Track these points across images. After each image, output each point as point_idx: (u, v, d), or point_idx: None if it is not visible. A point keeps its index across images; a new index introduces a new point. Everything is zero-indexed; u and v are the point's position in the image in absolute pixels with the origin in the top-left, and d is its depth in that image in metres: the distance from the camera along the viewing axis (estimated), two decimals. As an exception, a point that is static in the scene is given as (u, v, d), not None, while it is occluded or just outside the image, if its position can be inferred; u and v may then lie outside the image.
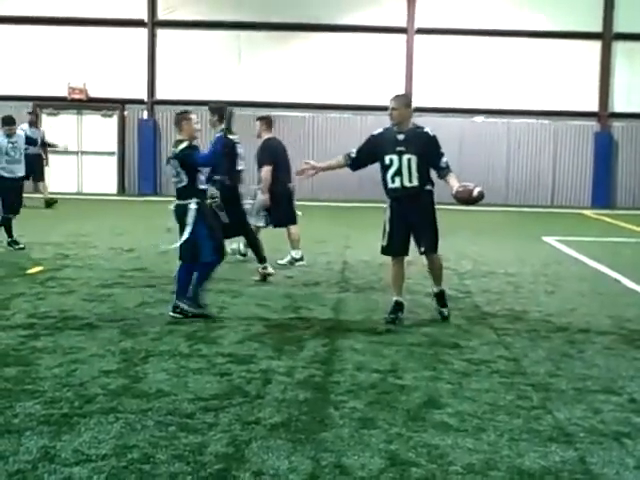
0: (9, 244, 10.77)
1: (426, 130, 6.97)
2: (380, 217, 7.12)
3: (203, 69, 20.84)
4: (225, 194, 8.47)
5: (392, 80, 20.45)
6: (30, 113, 17.84)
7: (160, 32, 20.99)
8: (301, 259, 10.00)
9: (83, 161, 21.52)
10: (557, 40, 20.67)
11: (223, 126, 8.61)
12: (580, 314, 7.55)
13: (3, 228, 10.85)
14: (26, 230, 11.21)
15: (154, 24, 20.87)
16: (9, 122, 11.22)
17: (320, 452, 4.04)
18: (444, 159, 6.93)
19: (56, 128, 20.64)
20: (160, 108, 21.08)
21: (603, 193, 20.96)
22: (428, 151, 6.87)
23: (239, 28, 20.71)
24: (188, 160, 6.94)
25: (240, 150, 8.85)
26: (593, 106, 20.94)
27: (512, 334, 6.70)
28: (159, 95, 21.17)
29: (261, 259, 8.82)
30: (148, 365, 5.49)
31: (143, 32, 20.86)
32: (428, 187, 6.93)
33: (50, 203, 16.87)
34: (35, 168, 15.45)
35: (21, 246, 10.72)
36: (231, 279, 8.67)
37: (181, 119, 7.12)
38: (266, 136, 9.90)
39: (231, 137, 8.68)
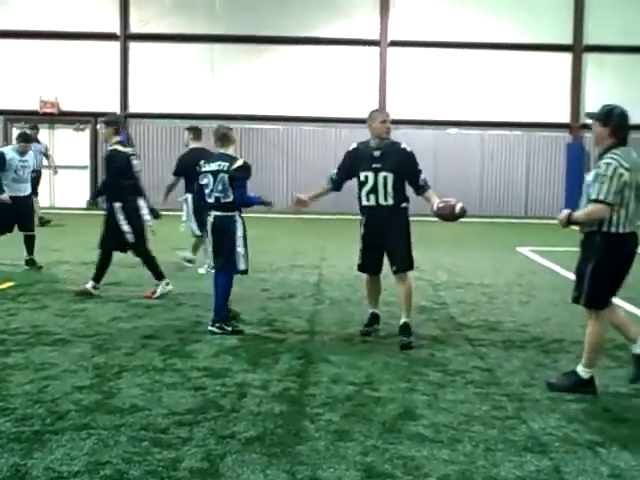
0: None
1: (403, 146, 6.72)
2: (356, 229, 7.10)
3: (176, 82, 20.81)
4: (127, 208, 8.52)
5: (366, 92, 20.55)
6: (32, 128, 16.65)
7: (133, 45, 20.94)
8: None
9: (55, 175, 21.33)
10: (529, 52, 20.91)
11: (118, 139, 8.64)
12: (554, 324, 7.60)
13: None
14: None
15: (127, 37, 20.82)
16: (27, 139, 10.70)
17: (295, 465, 4.01)
18: (422, 176, 6.72)
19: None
20: (133, 121, 20.99)
21: (575, 203, 21.06)
22: (405, 168, 6.65)
23: (213, 41, 20.72)
24: (243, 182, 6.93)
25: (135, 162, 8.63)
26: (565, 117, 21.18)
27: (487, 344, 6.73)
28: (132, 108, 21.09)
29: (159, 275, 8.66)
30: (121, 380, 5.43)
31: (115, 45, 20.80)
32: (404, 204, 6.72)
33: (44, 222, 15.80)
34: (33, 183, 15.08)
35: None
36: (207, 293, 8.62)
37: (230, 134, 7.10)
38: (193, 146, 10.20)
39: (124, 150, 8.62)
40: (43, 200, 21.09)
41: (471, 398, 5.22)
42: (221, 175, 6.84)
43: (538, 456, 4.24)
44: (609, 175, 5.11)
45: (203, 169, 7.02)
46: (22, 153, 10.46)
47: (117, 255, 10.97)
